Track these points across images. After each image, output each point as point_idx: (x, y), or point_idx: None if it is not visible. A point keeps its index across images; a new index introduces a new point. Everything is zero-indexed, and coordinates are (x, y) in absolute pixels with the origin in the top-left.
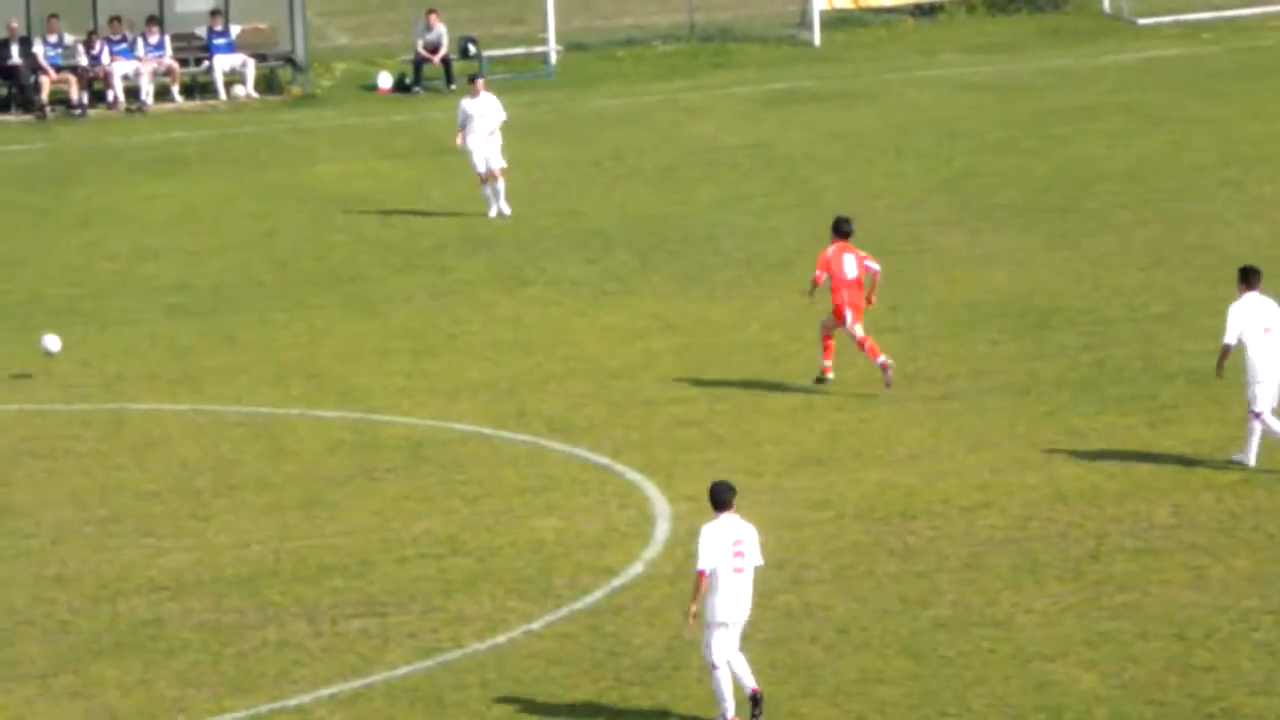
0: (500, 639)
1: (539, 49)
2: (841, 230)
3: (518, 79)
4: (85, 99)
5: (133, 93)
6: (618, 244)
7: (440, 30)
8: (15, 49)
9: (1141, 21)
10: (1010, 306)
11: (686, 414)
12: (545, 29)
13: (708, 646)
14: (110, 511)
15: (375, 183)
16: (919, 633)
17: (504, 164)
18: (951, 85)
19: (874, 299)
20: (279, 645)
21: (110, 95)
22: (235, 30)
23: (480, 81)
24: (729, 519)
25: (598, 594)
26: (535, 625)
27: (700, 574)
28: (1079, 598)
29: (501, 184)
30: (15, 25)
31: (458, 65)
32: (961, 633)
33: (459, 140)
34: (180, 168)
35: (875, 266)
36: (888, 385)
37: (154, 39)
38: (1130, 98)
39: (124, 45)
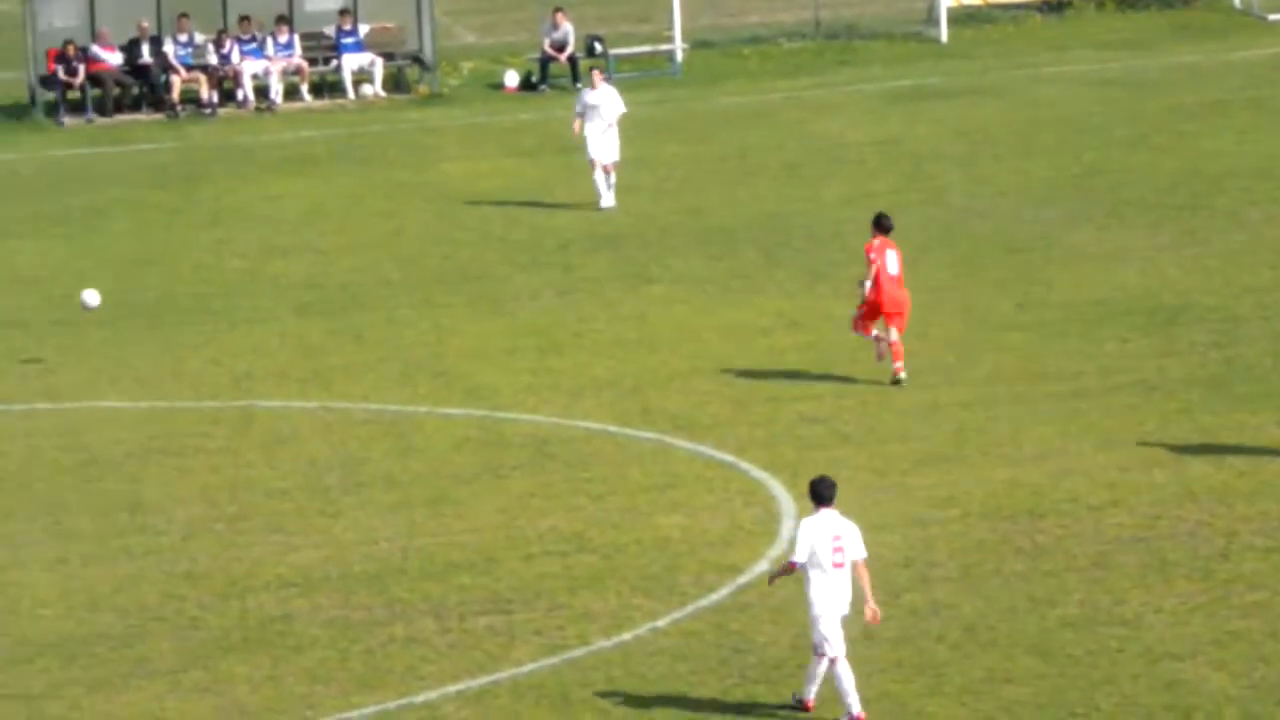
0: (626, 636)
1: (665, 47)
2: (883, 225)
3: (643, 77)
4: (215, 98)
5: (262, 92)
6: (743, 241)
7: (567, 28)
8: (146, 48)
9: (1271, 17)
10: (1139, 304)
11: (812, 411)
12: (671, 27)
13: (820, 636)
14: (240, 508)
15: (501, 181)
16: (1047, 632)
17: (617, 158)
18: (1080, 81)
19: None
20: (406, 642)
21: (240, 94)
22: (364, 29)
23: (599, 74)
24: (828, 514)
25: (723, 591)
26: (661, 623)
27: (791, 565)
28: (1208, 597)
29: (613, 177)
30: (146, 25)
31: (584, 63)
32: (1089, 632)
33: (575, 128)
34: (309, 167)
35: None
36: (893, 382)
37: (283, 38)
38: (1260, 93)
39: (253, 44)
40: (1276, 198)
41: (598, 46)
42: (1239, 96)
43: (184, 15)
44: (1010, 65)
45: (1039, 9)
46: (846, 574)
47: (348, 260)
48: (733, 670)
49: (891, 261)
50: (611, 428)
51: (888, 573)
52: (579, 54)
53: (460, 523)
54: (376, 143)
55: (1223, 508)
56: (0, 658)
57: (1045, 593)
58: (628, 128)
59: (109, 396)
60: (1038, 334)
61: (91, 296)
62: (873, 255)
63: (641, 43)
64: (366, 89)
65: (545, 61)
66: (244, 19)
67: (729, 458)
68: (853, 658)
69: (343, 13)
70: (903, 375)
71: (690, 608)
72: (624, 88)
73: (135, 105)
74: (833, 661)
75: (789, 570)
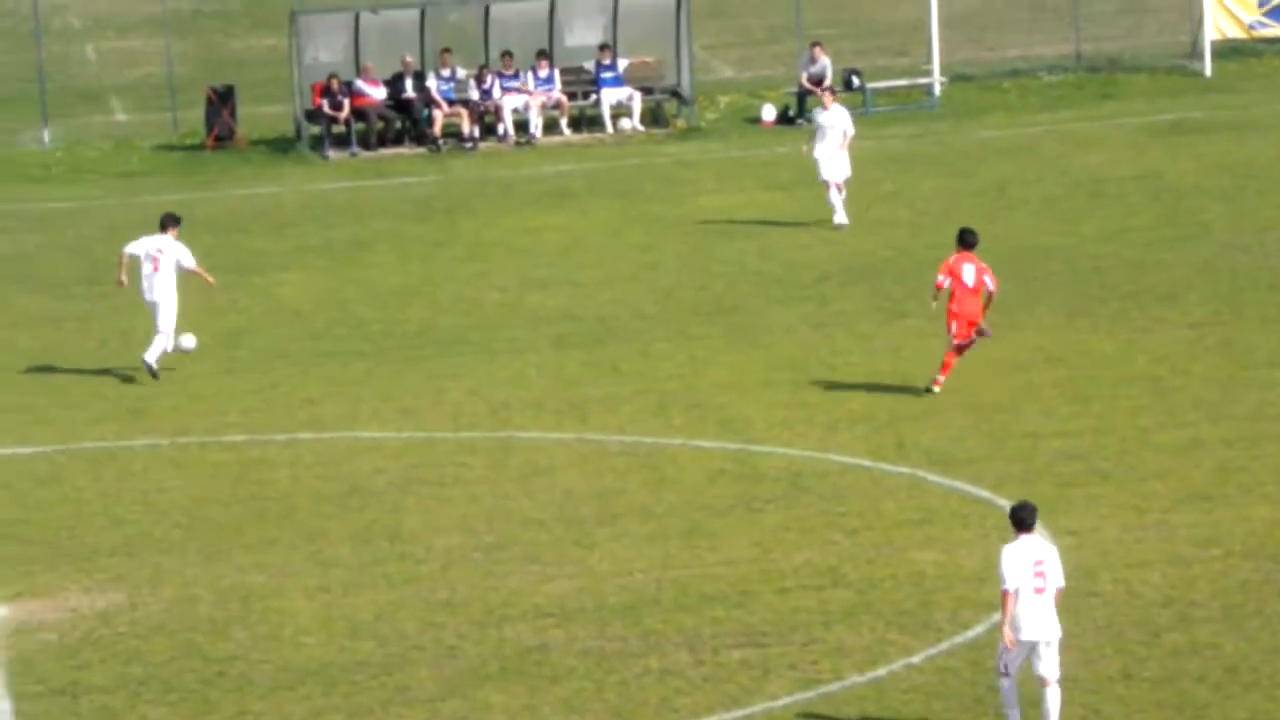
0: (880, 672)
1: (923, 80)
2: (966, 241)
3: (901, 110)
4: (476, 132)
5: (522, 126)
6: (1001, 275)
7: (824, 62)
8: (409, 83)
9: None
10: None
11: (1070, 448)
12: (930, 60)
13: (1001, 657)
14: (497, 538)
15: (757, 214)
16: None
17: (849, 174)
18: None
19: (986, 315)
20: (661, 674)
21: (500, 128)
22: (622, 64)
23: (830, 94)
24: (1030, 539)
25: (979, 628)
26: (915, 659)
27: (1005, 594)
28: None
29: (844, 194)
30: (410, 60)
31: (842, 97)
32: None
33: (806, 150)
34: (567, 200)
35: (992, 285)
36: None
37: (543, 73)
38: None
39: (514, 79)
40: None
41: (855, 80)
42: None
43: (446, 50)
44: (1276, 99)
45: None
46: (1049, 599)
47: (604, 293)
48: (988, 707)
49: (969, 274)
50: (866, 462)
51: (1148, 611)
52: (837, 88)
53: (714, 555)
54: (634, 176)
55: None
56: (263, 685)
57: None
58: (885, 161)
59: (370, 427)
60: None
61: (188, 340)
62: (941, 274)
63: (899, 76)
64: (625, 123)
65: (803, 95)
66: (505, 54)
67: (985, 494)
68: (1109, 695)
69: (602, 47)
70: (938, 390)
71: (945, 644)
72: (882, 121)
73: (398, 139)
74: (1003, 675)
75: (1005, 602)
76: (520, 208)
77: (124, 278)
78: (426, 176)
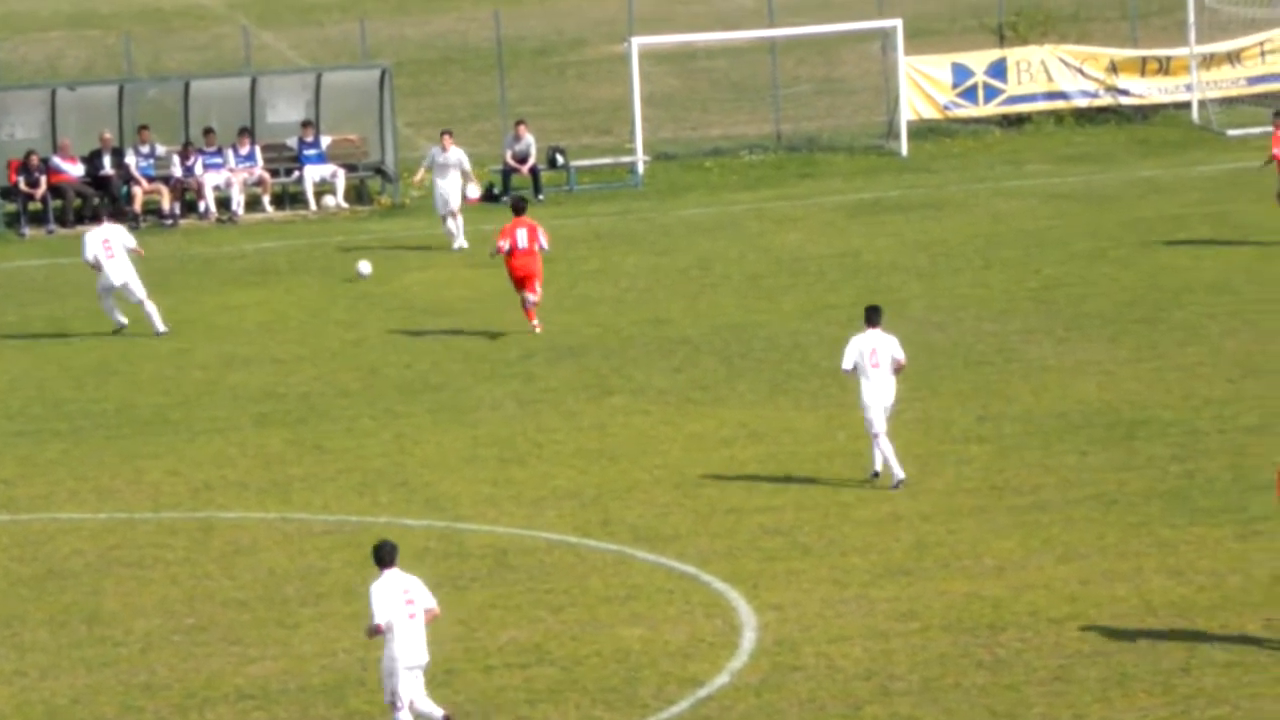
0: None
1: (627, 159)
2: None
3: (605, 188)
4: (177, 209)
5: (224, 203)
6: (704, 352)
7: (529, 140)
8: (108, 159)
9: (1230, 133)
10: (1098, 417)
11: (773, 523)
12: (633, 139)
13: (393, 691)
14: (198, 620)
15: (464, 291)
16: None
17: (461, 204)
18: (1039, 195)
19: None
20: None
21: (202, 206)
22: (325, 141)
23: (448, 138)
24: (394, 573)
25: (684, 704)
26: None
27: (377, 627)
28: (1169, 711)
29: (460, 220)
30: (109, 136)
31: (546, 175)
32: None
33: (418, 178)
34: (270, 277)
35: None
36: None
37: (245, 150)
38: (1218, 208)
39: (216, 156)
40: (1234, 311)
41: (559, 158)
42: (1197, 211)
43: (145, 127)
44: (970, 179)
45: (998, 123)
46: (420, 623)
47: (308, 370)
48: None
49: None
50: (572, 539)
51: (849, 685)
52: (541, 165)
53: None
54: (338, 254)
55: (1184, 621)
56: None
57: (1006, 706)
58: (589, 239)
59: (68, 508)
60: (998, 446)
61: (365, 266)
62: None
63: (603, 154)
64: (329, 200)
65: (508, 173)
66: (208, 131)
67: (690, 569)
68: None
69: (305, 124)
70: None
71: None
72: (586, 199)
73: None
74: (397, 708)
75: (376, 632)
76: (221, 285)
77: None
78: None
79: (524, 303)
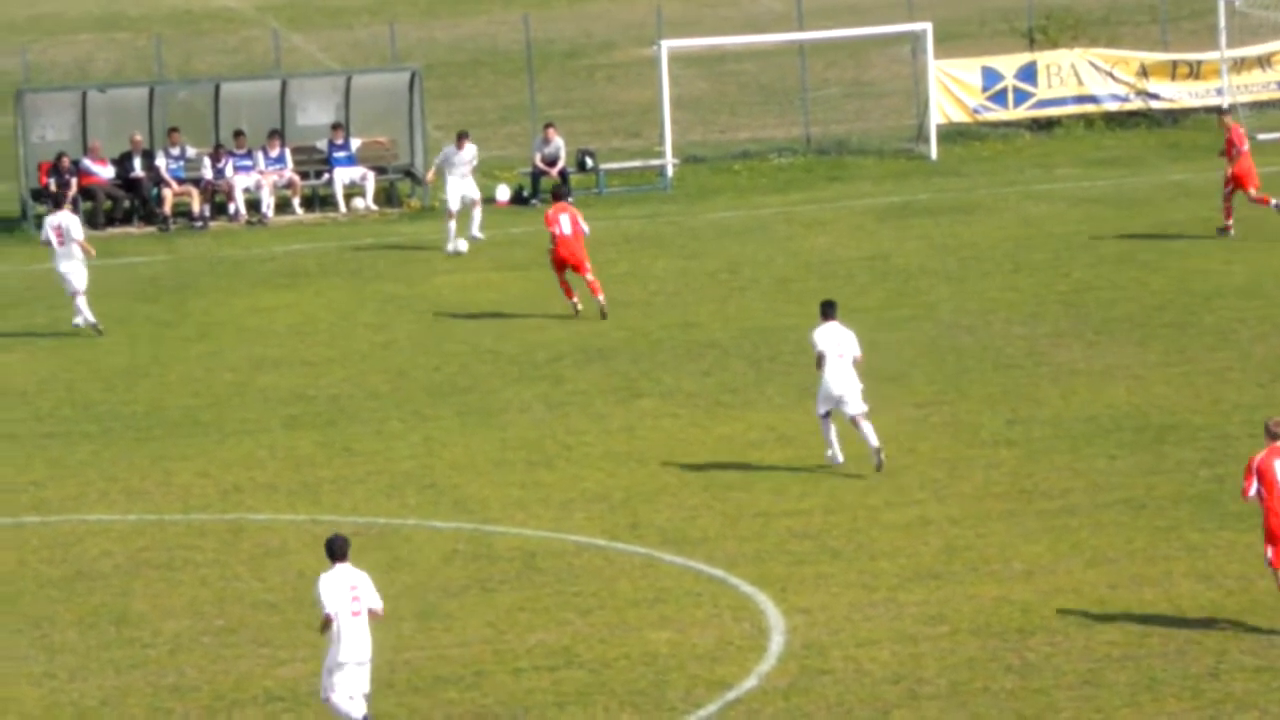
0: None
1: (655, 161)
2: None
3: (634, 191)
4: (207, 211)
5: (254, 205)
6: (733, 356)
7: (558, 143)
8: (138, 161)
9: (1261, 137)
10: (1127, 421)
11: (801, 526)
12: (662, 142)
13: (329, 686)
14: (228, 622)
15: (492, 294)
16: None
17: (479, 196)
18: (1069, 199)
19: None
20: None
21: (232, 208)
22: (355, 144)
23: (466, 139)
24: (344, 567)
25: (712, 708)
26: None
27: (327, 618)
28: (1198, 715)
29: (479, 213)
30: (139, 138)
31: (575, 178)
32: None
33: (430, 176)
34: (299, 280)
35: (858, 353)
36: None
37: (275, 152)
38: (1248, 212)
39: (246, 159)
40: (1264, 315)
41: (589, 161)
42: None
43: (175, 129)
44: (999, 182)
45: (1028, 127)
46: (364, 621)
47: (338, 373)
48: None
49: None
50: (600, 541)
51: (877, 689)
52: (570, 168)
53: (448, 636)
54: (367, 256)
55: (1212, 626)
56: None
57: (1034, 711)
58: (619, 242)
59: (98, 510)
60: (1027, 450)
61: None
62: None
63: (632, 157)
64: (358, 202)
65: (537, 176)
66: (238, 134)
67: (718, 572)
68: None
69: (335, 127)
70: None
71: None
72: (615, 202)
73: (127, 218)
74: (332, 704)
75: (326, 624)
76: (251, 287)
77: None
78: (155, 256)
79: (564, 284)
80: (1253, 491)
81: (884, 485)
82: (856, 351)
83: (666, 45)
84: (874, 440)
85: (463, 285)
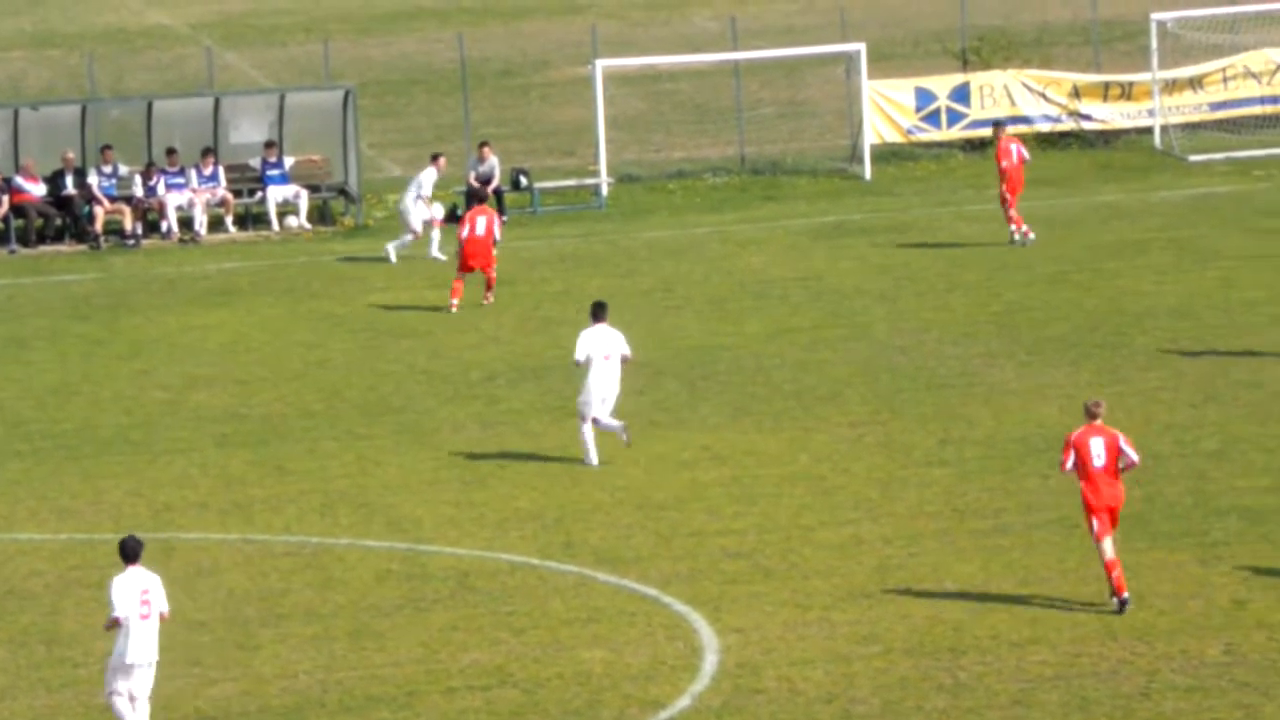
0: None
1: (590, 181)
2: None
3: (568, 210)
4: (139, 229)
5: (186, 223)
6: (667, 375)
7: (493, 162)
8: (70, 179)
9: (1192, 158)
10: (1059, 441)
11: (735, 546)
12: (597, 161)
13: (113, 688)
14: (159, 641)
15: (427, 313)
16: None
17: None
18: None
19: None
20: None
21: (164, 226)
22: (289, 161)
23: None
24: (137, 570)
25: None
26: None
27: (115, 620)
28: None
29: (437, 232)
30: (71, 156)
31: (509, 197)
32: None
33: (433, 213)
34: (232, 298)
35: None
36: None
37: (208, 170)
38: (1180, 233)
39: (179, 176)
40: (1195, 336)
41: (523, 180)
42: (1159, 236)
43: (108, 147)
44: (933, 202)
45: (961, 147)
46: (153, 625)
47: (271, 391)
48: None
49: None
50: (534, 561)
51: (811, 708)
52: (504, 187)
53: (381, 656)
54: (301, 274)
55: (1144, 646)
56: None
57: None
58: (553, 261)
59: (28, 528)
60: (959, 470)
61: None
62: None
63: (567, 176)
64: (291, 221)
65: (471, 194)
66: (171, 151)
67: (652, 592)
68: None
69: (268, 145)
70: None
71: None
72: (549, 221)
73: (59, 236)
74: (133, 699)
75: (115, 625)
76: (184, 305)
77: None
78: (87, 274)
79: (458, 282)
80: (1069, 464)
81: (817, 505)
82: (626, 350)
83: (601, 64)
84: (615, 423)
85: (397, 304)
